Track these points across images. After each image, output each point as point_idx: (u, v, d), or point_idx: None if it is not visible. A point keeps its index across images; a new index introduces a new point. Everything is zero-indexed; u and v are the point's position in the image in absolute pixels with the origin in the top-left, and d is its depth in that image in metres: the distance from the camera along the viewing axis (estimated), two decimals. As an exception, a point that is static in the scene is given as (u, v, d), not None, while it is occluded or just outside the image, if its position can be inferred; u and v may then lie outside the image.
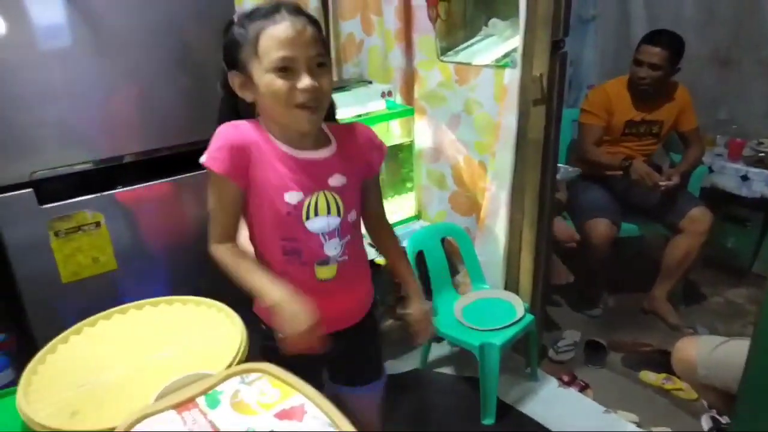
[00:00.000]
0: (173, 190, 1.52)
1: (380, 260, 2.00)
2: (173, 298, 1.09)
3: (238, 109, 1.09)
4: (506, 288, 2.16)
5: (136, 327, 1.04)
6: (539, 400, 2.08)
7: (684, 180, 2.52)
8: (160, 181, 1.49)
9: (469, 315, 2.02)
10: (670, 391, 2.10)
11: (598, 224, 2.44)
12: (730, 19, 2.97)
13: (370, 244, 1.31)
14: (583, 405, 2.07)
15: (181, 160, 1.51)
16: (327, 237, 1.07)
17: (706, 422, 1.90)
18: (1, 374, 1.55)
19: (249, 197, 1.04)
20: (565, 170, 2.40)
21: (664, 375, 2.13)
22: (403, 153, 2.30)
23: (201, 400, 0.72)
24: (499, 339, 1.90)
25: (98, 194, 1.42)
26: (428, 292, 2.11)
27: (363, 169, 1.14)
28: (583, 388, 2.14)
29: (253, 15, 1.00)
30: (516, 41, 1.85)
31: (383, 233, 1.26)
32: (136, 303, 1.08)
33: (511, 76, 1.88)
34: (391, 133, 2.28)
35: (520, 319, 1.99)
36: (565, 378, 2.18)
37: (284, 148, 1.04)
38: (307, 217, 1.04)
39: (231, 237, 1.05)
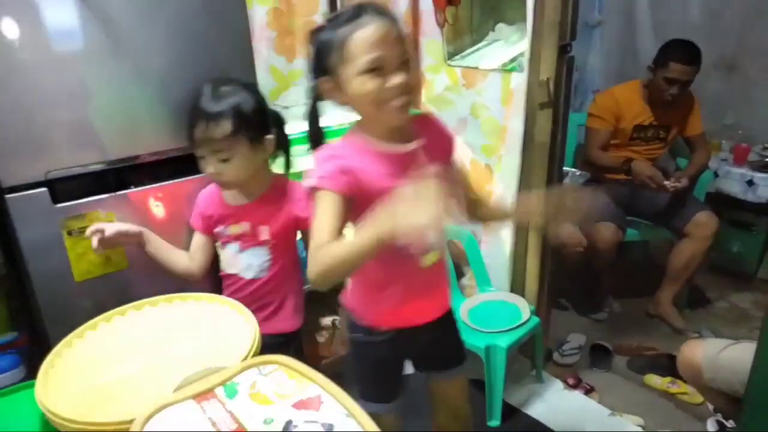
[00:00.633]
0: (185, 190, 1.53)
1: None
2: (187, 294, 1.11)
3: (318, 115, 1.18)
4: (512, 291, 2.17)
5: (150, 323, 1.06)
6: (544, 403, 2.09)
7: (690, 184, 2.53)
8: (172, 181, 1.51)
9: (474, 317, 2.03)
10: (675, 394, 2.11)
11: (604, 229, 2.45)
12: (736, 24, 2.99)
13: None
14: (589, 408, 2.07)
15: (193, 160, 1.53)
16: None
17: (711, 426, 1.91)
18: (14, 371, 1.56)
19: (356, 207, 1.05)
20: (572, 174, 2.41)
21: (669, 379, 2.13)
22: (409, 156, 2.31)
23: (219, 391, 0.74)
24: (504, 341, 1.91)
25: (111, 194, 1.43)
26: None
27: (443, 158, 1.18)
28: (588, 391, 2.15)
29: (338, 20, 1.04)
30: (523, 45, 1.87)
31: (482, 202, 1.33)
32: (151, 299, 1.09)
33: (518, 80, 1.90)
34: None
35: (526, 322, 2.00)
36: (571, 381, 2.18)
37: (383, 146, 1.09)
38: None
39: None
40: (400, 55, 1.02)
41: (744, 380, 1.26)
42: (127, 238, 1.40)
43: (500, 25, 2.08)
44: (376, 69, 1.00)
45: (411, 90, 1.05)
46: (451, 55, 2.15)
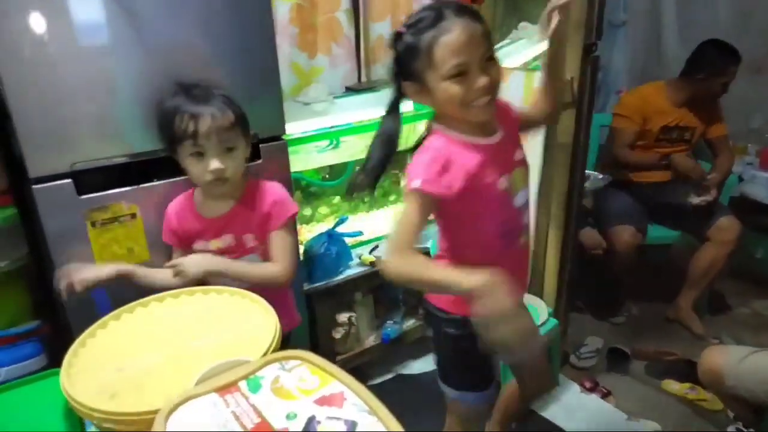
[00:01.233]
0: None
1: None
2: (209, 288, 1.11)
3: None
4: (530, 292, 2.15)
5: (172, 315, 1.06)
6: (560, 405, 2.08)
7: (718, 192, 2.49)
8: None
9: (492, 317, 2.02)
10: (693, 401, 2.08)
11: (623, 231, 2.43)
12: (764, 25, 2.93)
13: None
14: (605, 411, 2.06)
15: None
16: (523, 208, 1.21)
17: (731, 433, 1.88)
18: (36, 359, 1.59)
19: (454, 205, 1.10)
20: (594, 178, 2.38)
21: (688, 384, 2.10)
22: (429, 154, 2.31)
23: (242, 385, 0.74)
24: (522, 342, 1.90)
25: (135, 186, 1.45)
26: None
27: (517, 136, 1.24)
28: (604, 395, 2.13)
29: (420, 24, 1.04)
30: (546, 44, 1.85)
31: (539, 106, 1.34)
32: (172, 292, 1.10)
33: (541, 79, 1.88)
34: (416, 135, 2.29)
35: (543, 323, 1.99)
36: (587, 384, 2.17)
37: (472, 139, 1.12)
38: (514, 193, 1.17)
39: (412, 248, 1.06)
40: (485, 53, 1.04)
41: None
42: (109, 282, 1.28)
43: (523, 24, 2.06)
44: (461, 74, 1.03)
45: (496, 87, 1.07)
46: (473, 54, 2.14)
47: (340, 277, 2.04)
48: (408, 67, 1.07)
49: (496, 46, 2.10)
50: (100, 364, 0.93)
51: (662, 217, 2.59)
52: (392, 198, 2.46)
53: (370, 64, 2.40)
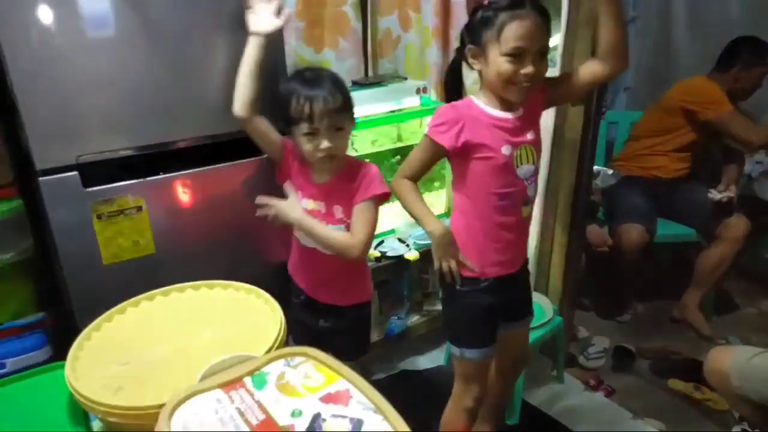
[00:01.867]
0: (213, 178, 1.54)
1: (409, 256, 2.01)
2: (214, 282, 1.11)
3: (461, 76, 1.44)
4: (535, 289, 2.15)
5: (177, 309, 1.06)
6: (564, 403, 2.07)
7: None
8: (201, 169, 1.52)
9: (497, 314, 2.01)
10: (698, 400, 2.07)
11: (630, 230, 2.41)
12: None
13: None
14: (609, 409, 2.05)
15: (222, 148, 1.54)
16: (529, 181, 1.35)
17: (737, 434, 1.87)
18: (40, 351, 1.59)
19: (462, 159, 1.33)
20: (604, 174, 2.37)
21: (693, 384, 2.09)
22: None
23: (248, 381, 0.74)
24: (527, 339, 1.89)
25: (141, 179, 1.45)
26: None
27: (538, 119, 1.39)
28: (609, 393, 2.12)
29: (501, 3, 1.22)
30: (556, 40, 1.84)
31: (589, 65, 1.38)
32: (178, 285, 1.10)
33: (551, 75, 1.87)
34: (424, 130, 2.28)
35: (548, 321, 1.98)
36: (591, 382, 2.16)
37: (495, 112, 1.32)
38: (518, 165, 1.32)
39: (414, 179, 1.39)
40: (541, 47, 1.24)
41: (775, 389, 1.23)
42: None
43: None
44: (516, 55, 1.21)
45: (537, 78, 1.25)
46: (481, 49, 2.12)
47: (345, 272, 2.03)
48: (479, 35, 1.26)
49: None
50: (105, 357, 0.93)
51: (673, 213, 2.56)
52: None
53: (377, 58, 2.38)
